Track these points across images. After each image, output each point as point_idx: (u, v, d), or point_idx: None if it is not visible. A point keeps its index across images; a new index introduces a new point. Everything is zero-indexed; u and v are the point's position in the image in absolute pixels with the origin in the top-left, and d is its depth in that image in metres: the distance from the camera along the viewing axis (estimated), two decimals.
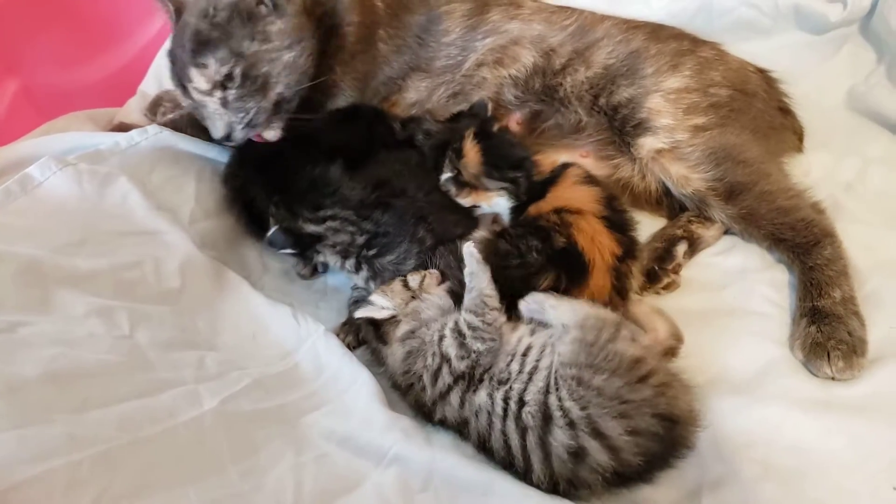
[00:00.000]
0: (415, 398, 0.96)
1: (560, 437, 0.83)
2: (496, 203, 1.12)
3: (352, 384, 0.99)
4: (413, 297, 0.97)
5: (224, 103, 1.16)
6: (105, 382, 0.85)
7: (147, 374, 0.90)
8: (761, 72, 1.37)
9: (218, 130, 1.18)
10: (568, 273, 0.97)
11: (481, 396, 0.90)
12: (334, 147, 1.19)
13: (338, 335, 1.09)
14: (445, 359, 0.92)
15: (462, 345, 0.92)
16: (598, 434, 0.81)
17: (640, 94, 1.25)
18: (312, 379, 1.01)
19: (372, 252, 1.10)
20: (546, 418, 0.84)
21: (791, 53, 1.52)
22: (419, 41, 1.38)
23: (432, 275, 1.00)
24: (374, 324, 0.99)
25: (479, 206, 1.15)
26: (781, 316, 1.10)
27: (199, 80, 1.15)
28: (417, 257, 1.07)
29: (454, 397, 0.92)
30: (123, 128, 1.35)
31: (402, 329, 0.96)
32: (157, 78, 1.52)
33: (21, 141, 1.24)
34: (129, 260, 1.05)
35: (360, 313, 0.97)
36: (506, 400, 0.88)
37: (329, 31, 1.28)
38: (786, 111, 1.36)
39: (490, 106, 1.29)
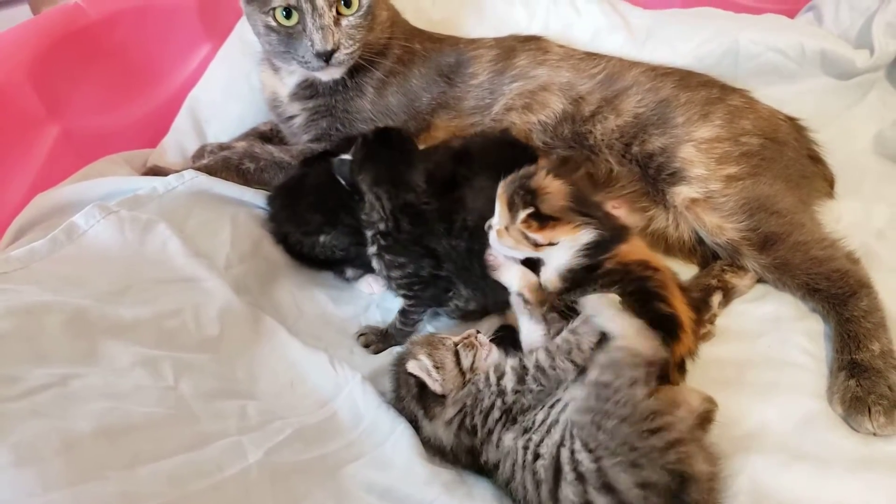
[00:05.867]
0: (464, 448, 0.96)
1: (568, 494, 0.82)
2: (578, 238, 1.07)
3: (390, 434, 0.99)
4: (465, 382, 0.97)
5: (337, 22, 1.24)
6: (154, 436, 0.85)
7: (193, 426, 0.90)
8: (790, 120, 1.38)
9: (327, 43, 1.22)
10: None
11: (508, 439, 0.91)
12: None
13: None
14: (502, 393, 0.93)
15: (521, 379, 0.93)
16: (608, 488, 0.80)
17: (673, 144, 1.27)
18: (351, 428, 1.01)
19: (383, 243, 1.16)
20: (556, 472, 0.84)
21: (817, 98, 1.53)
22: (448, 81, 1.41)
23: (483, 347, 0.99)
24: (420, 385, 0.98)
25: (552, 244, 1.08)
26: (818, 367, 1.10)
27: None
28: (408, 278, 1.15)
29: (495, 435, 0.92)
30: (156, 171, 1.37)
31: (449, 413, 0.96)
32: (191, 113, 1.54)
33: (62, 186, 1.26)
34: (170, 308, 1.06)
35: (413, 369, 0.97)
36: (525, 449, 0.89)
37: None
38: (816, 159, 1.37)
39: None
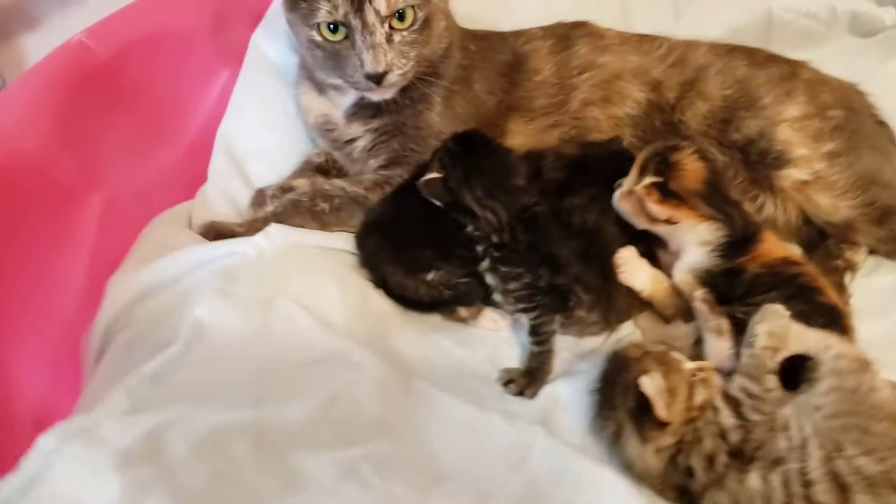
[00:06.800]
0: (671, 484, 0.90)
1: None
2: (699, 230, 1.05)
3: (604, 487, 0.91)
4: (690, 419, 0.89)
5: (389, 39, 1.10)
6: None
7: None
8: (853, 86, 1.39)
9: (378, 64, 1.08)
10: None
11: (753, 480, 0.84)
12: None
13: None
14: (723, 434, 0.87)
15: (739, 413, 0.87)
16: None
17: (768, 126, 1.24)
18: (554, 488, 0.92)
19: (497, 255, 1.08)
20: (843, 489, 0.80)
21: (846, 59, 1.55)
22: (509, 79, 1.31)
23: (714, 387, 0.92)
24: (640, 402, 0.89)
25: (670, 223, 1.07)
26: None
27: (381, 2, 1.07)
28: (527, 289, 1.07)
29: (730, 482, 0.86)
30: (217, 229, 1.18)
31: (667, 441, 0.89)
32: (226, 152, 1.34)
33: (131, 268, 1.05)
34: (326, 395, 0.92)
35: (647, 387, 0.87)
36: (785, 484, 0.83)
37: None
38: (881, 123, 1.39)
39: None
